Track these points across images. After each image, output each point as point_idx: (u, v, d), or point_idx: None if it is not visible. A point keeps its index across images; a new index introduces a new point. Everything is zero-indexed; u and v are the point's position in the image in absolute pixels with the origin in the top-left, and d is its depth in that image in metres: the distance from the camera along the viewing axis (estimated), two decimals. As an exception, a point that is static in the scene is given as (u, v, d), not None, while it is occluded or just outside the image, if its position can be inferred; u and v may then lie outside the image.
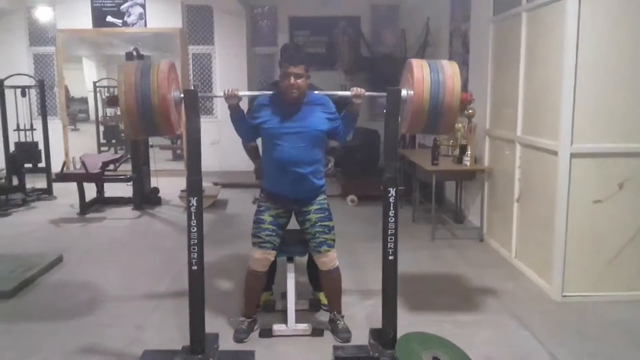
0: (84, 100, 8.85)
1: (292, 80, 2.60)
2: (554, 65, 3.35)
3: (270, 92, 2.76)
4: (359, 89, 2.61)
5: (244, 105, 2.79)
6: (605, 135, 3.24)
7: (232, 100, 2.62)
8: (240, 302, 3.05)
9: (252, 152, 3.20)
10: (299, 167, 2.72)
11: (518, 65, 3.88)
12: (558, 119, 3.26)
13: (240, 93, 2.63)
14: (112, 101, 2.43)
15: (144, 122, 2.37)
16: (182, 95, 2.50)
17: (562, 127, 3.22)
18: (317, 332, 2.88)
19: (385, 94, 2.54)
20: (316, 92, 2.78)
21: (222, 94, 2.62)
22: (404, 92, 2.53)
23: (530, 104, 3.77)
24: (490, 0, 4.49)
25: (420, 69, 2.45)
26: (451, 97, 2.41)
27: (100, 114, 8.79)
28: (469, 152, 4.57)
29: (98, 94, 8.77)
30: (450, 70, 2.45)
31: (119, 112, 7.86)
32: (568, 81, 3.18)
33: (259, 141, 2.93)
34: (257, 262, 2.82)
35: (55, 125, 7.53)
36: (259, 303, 3.09)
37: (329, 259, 2.82)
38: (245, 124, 2.77)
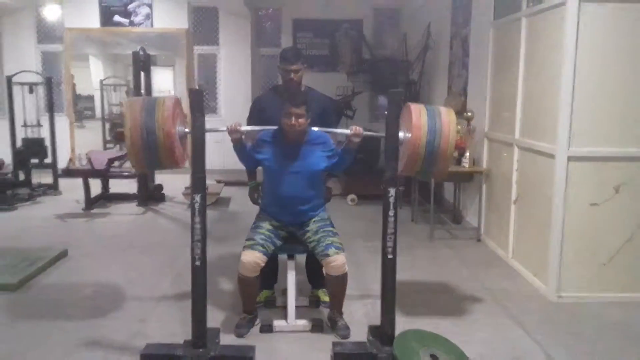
0: (91, 98, 8.90)
1: (294, 120, 2.69)
2: (553, 70, 3.38)
3: (273, 128, 2.83)
4: (357, 128, 2.69)
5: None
6: (603, 139, 3.27)
7: (234, 135, 2.70)
8: (240, 300, 3.09)
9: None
10: (298, 203, 2.83)
11: (517, 69, 3.92)
12: (556, 123, 3.29)
13: (243, 128, 2.71)
14: (118, 137, 2.48)
15: (149, 158, 2.42)
16: (186, 130, 2.55)
17: (560, 131, 3.25)
18: (316, 328, 2.90)
19: (383, 134, 2.61)
20: (316, 129, 2.84)
21: (224, 128, 2.68)
22: (401, 134, 2.59)
23: (529, 107, 3.80)
24: (490, 5, 4.53)
25: (418, 114, 2.50)
26: (446, 145, 2.47)
27: (106, 111, 8.85)
28: (468, 154, 4.60)
29: (104, 92, 8.84)
30: (447, 117, 2.50)
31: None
32: (566, 85, 3.21)
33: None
34: (245, 266, 2.76)
35: (62, 122, 7.57)
36: (258, 300, 3.11)
37: (339, 263, 2.76)
38: (247, 155, 2.85)
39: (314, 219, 2.90)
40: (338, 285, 2.85)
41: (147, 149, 2.39)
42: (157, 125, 2.35)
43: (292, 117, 2.69)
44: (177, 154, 2.46)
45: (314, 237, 2.84)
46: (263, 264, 2.79)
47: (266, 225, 2.88)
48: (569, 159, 3.27)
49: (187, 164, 2.63)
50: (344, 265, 2.79)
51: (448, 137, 2.46)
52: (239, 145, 2.77)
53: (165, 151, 2.40)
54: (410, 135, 2.49)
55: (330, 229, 2.88)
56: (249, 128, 2.88)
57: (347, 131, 2.73)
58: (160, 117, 2.36)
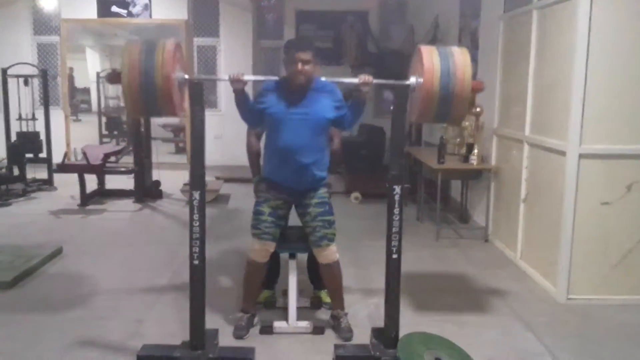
0: (87, 91, 8.83)
1: (300, 66, 2.57)
2: (564, 65, 3.31)
3: (277, 78, 2.73)
4: (366, 77, 2.56)
5: (250, 95, 2.75)
6: (615, 137, 3.21)
7: (237, 84, 2.56)
8: (240, 298, 3.03)
9: (254, 157, 3.14)
10: (302, 155, 2.68)
11: (527, 64, 3.85)
12: (567, 119, 3.23)
13: (246, 77, 2.57)
14: (113, 78, 2.37)
15: (145, 102, 2.32)
16: (186, 76, 2.45)
17: (571, 128, 3.19)
18: (318, 330, 2.86)
19: (392, 81, 2.50)
20: (323, 79, 2.73)
21: (227, 77, 2.56)
22: (413, 80, 2.48)
23: (539, 103, 3.74)
24: (500, -3, 4.46)
25: (430, 56, 2.39)
26: (462, 87, 2.35)
27: (102, 105, 8.77)
28: (476, 151, 4.53)
29: (101, 85, 8.75)
30: (461, 58, 2.39)
31: (122, 104, 7.85)
32: (578, 81, 3.15)
33: (261, 145, 2.91)
34: (256, 253, 2.82)
35: (57, 116, 7.51)
36: (258, 298, 3.07)
37: (329, 253, 2.81)
38: (250, 108, 2.73)
39: (315, 200, 2.79)
40: (331, 274, 2.86)
41: (144, 92, 2.28)
42: (156, 67, 2.25)
43: (299, 63, 2.56)
44: (174, 100, 2.35)
45: (311, 222, 2.80)
46: (272, 250, 2.84)
47: (266, 209, 2.80)
48: (581, 156, 3.21)
49: (183, 114, 2.54)
50: (334, 254, 2.83)
51: (463, 79, 2.35)
52: (242, 96, 2.64)
53: (162, 95, 2.30)
54: (422, 80, 2.38)
55: (328, 217, 2.81)
56: (252, 77, 2.75)
57: (356, 80, 2.59)
58: (160, 60, 2.26)
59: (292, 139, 2.66)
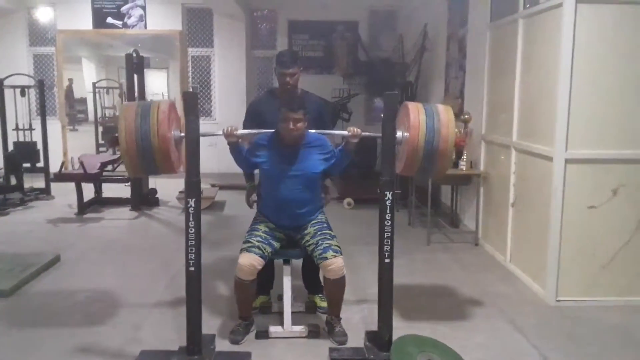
0: (83, 101, 8.85)
1: (292, 125, 2.66)
2: (550, 72, 3.37)
3: (269, 132, 2.81)
4: (356, 130, 2.67)
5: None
6: (600, 142, 3.26)
7: (230, 138, 2.68)
8: (236, 306, 3.06)
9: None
10: (296, 206, 2.81)
11: (514, 71, 3.91)
12: (553, 125, 3.28)
13: (239, 132, 2.69)
14: (112, 142, 2.46)
15: (144, 163, 2.40)
16: (182, 134, 2.52)
17: (557, 133, 3.24)
18: (313, 334, 2.87)
19: (380, 135, 2.59)
20: (313, 131, 2.82)
21: (221, 132, 2.67)
22: (399, 134, 2.58)
23: (526, 109, 3.79)
24: (487, 6, 4.53)
25: (416, 114, 2.49)
26: (446, 143, 2.46)
27: (99, 114, 8.79)
28: (465, 157, 4.59)
29: (97, 95, 8.78)
30: (445, 117, 2.49)
31: (118, 113, 7.86)
32: (563, 87, 3.20)
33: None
34: (242, 270, 2.72)
35: (54, 126, 7.53)
36: (253, 306, 3.08)
37: (337, 267, 2.72)
38: (244, 159, 2.83)
39: (312, 222, 2.88)
40: (336, 288, 2.82)
41: (143, 154, 2.36)
42: (152, 129, 2.32)
43: (290, 122, 2.66)
44: (173, 159, 2.44)
45: (311, 240, 2.81)
46: (260, 267, 2.74)
47: (262, 227, 2.85)
48: (567, 161, 3.26)
49: (182, 169, 2.59)
50: (342, 269, 2.75)
51: (447, 135, 2.45)
52: (236, 149, 2.76)
53: (161, 156, 2.38)
54: (408, 135, 2.48)
55: (328, 231, 2.85)
56: (246, 132, 2.85)
57: (345, 132, 2.70)
58: (156, 122, 2.33)
59: (286, 193, 2.78)
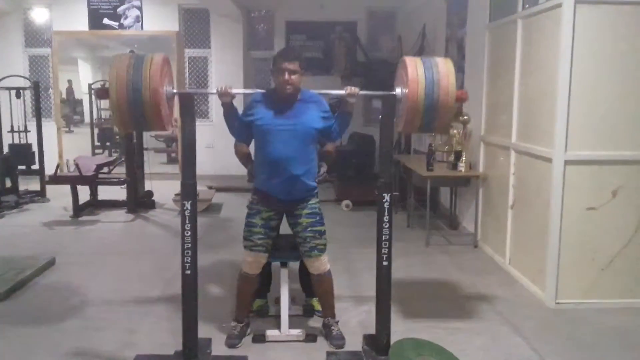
0: (79, 103, 8.82)
1: (287, 76, 2.59)
2: (549, 73, 3.36)
3: (264, 90, 2.75)
4: (353, 88, 2.60)
5: (239, 108, 2.78)
6: (600, 143, 3.26)
7: (225, 97, 2.60)
8: (232, 307, 3.04)
9: (244, 158, 3.12)
10: (291, 166, 2.68)
11: (513, 72, 3.90)
12: (553, 126, 3.27)
13: (234, 91, 2.60)
14: (101, 93, 2.39)
15: (134, 116, 2.32)
16: (174, 91, 2.47)
17: (557, 134, 3.23)
18: (310, 337, 2.86)
19: (379, 92, 2.54)
20: (310, 90, 2.76)
21: (215, 91, 2.59)
22: (398, 91, 2.51)
23: (525, 110, 3.79)
24: (486, 7, 4.52)
25: (414, 67, 2.41)
26: (446, 96, 2.38)
27: (95, 116, 8.76)
28: (464, 159, 4.58)
29: (93, 97, 8.76)
30: (444, 68, 2.42)
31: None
32: (563, 88, 3.19)
33: (251, 147, 2.92)
34: (249, 266, 2.82)
35: (50, 128, 7.49)
36: (251, 307, 3.07)
37: (320, 264, 2.81)
38: (238, 121, 2.76)
39: (306, 210, 2.79)
40: (320, 283, 2.87)
41: (133, 107, 2.28)
42: (144, 82, 2.26)
43: (285, 73, 2.59)
44: (163, 114, 2.34)
45: (302, 233, 2.80)
46: (265, 261, 2.85)
47: (258, 222, 2.79)
48: (566, 162, 3.25)
49: (173, 129, 2.52)
50: (325, 264, 2.83)
51: (447, 87, 2.38)
52: (230, 111, 2.68)
53: (151, 110, 2.29)
54: (407, 90, 2.41)
55: (319, 228, 2.81)
56: (241, 91, 2.78)
57: (342, 92, 2.62)
58: (148, 75, 2.26)
59: (282, 150, 2.66)
